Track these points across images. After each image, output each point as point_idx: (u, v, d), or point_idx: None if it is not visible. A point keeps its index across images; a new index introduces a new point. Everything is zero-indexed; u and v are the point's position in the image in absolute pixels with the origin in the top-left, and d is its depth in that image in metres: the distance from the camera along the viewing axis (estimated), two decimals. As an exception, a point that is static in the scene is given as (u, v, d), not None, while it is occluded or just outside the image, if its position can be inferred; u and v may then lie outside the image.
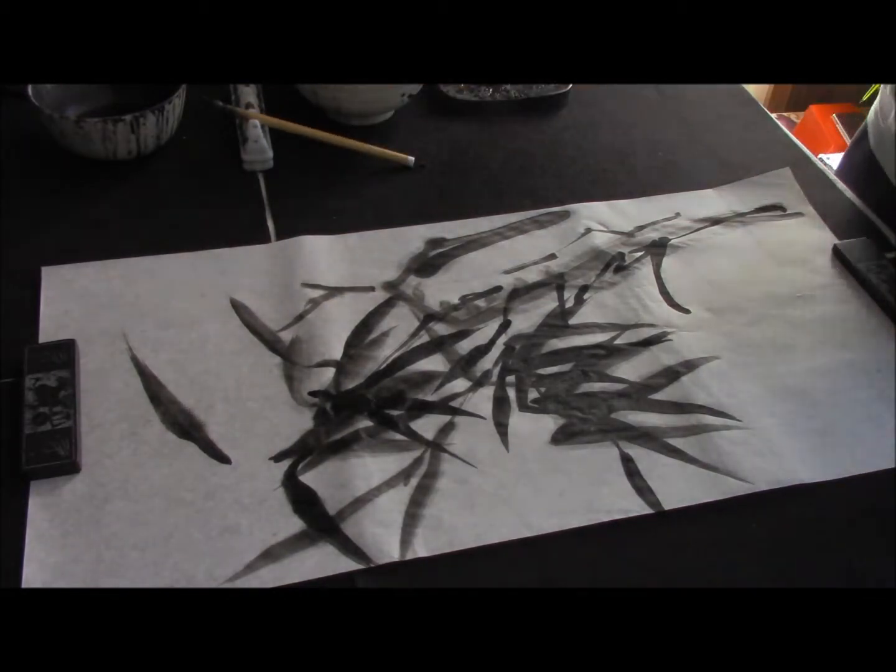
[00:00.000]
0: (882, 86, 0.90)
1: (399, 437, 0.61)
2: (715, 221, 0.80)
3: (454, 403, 0.63)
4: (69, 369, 0.62)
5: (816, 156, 0.91)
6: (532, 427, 0.62)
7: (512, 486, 0.58)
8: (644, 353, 0.68)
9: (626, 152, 0.88)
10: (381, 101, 0.87)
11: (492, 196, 0.82)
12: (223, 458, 0.59)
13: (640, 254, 0.77)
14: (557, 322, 0.70)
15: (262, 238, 0.76)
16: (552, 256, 0.76)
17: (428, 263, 0.74)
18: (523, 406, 0.63)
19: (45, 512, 0.55)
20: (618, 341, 0.69)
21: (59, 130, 0.77)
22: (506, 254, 0.76)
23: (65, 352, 0.63)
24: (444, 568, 0.54)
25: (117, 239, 0.74)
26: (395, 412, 0.62)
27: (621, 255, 0.76)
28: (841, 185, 0.86)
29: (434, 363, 0.66)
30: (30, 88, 0.78)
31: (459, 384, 0.64)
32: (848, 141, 2.01)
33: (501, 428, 0.62)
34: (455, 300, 0.71)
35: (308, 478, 0.58)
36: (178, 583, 0.52)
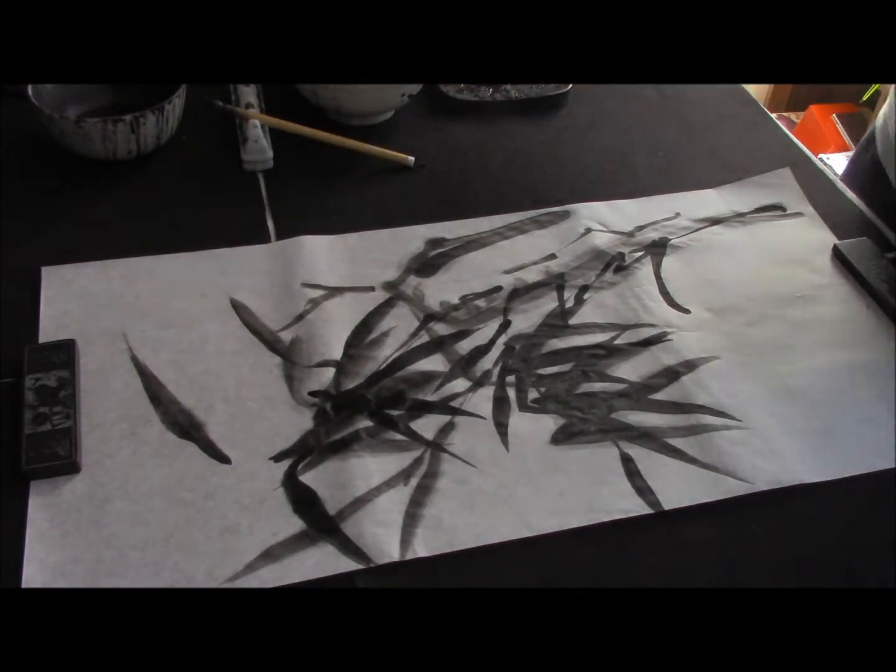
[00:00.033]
0: (892, 91, 0.90)
1: (399, 437, 0.61)
2: (715, 221, 0.80)
3: (454, 403, 0.63)
4: (69, 369, 0.62)
5: (816, 156, 0.91)
6: (532, 427, 0.62)
7: (512, 486, 0.58)
8: (644, 353, 0.68)
9: (626, 152, 0.88)
10: (381, 101, 0.87)
11: (492, 196, 0.82)
12: (223, 458, 0.59)
13: (640, 254, 0.77)
14: (557, 322, 0.70)
15: (262, 238, 0.76)
16: (552, 256, 0.76)
17: (428, 263, 0.74)
18: (523, 406, 0.63)
19: (45, 512, 0.55)
20: (618, 341, 0.69)
21: (59, 130, 0.77)
22: (506, 254, 0.76)
23: (65, 352, 0.63)
24: (444, 568, 0.54)
25: (117, 239, 0.74)
26: (395, 412, 0.62)
27: (621, 255, 0.76)
28: (841, 185, 0.86)
29: (434, 363, 0.66)
30: (30, 88, 0.78)
31: (459, 384, 0.64)
32: (848, 141, 2.02)
33: (501, 428, 0.62)
34: (455, 300, 0.71)
35: (308, 478, 0.58)
36: (178, 583, 0.52)
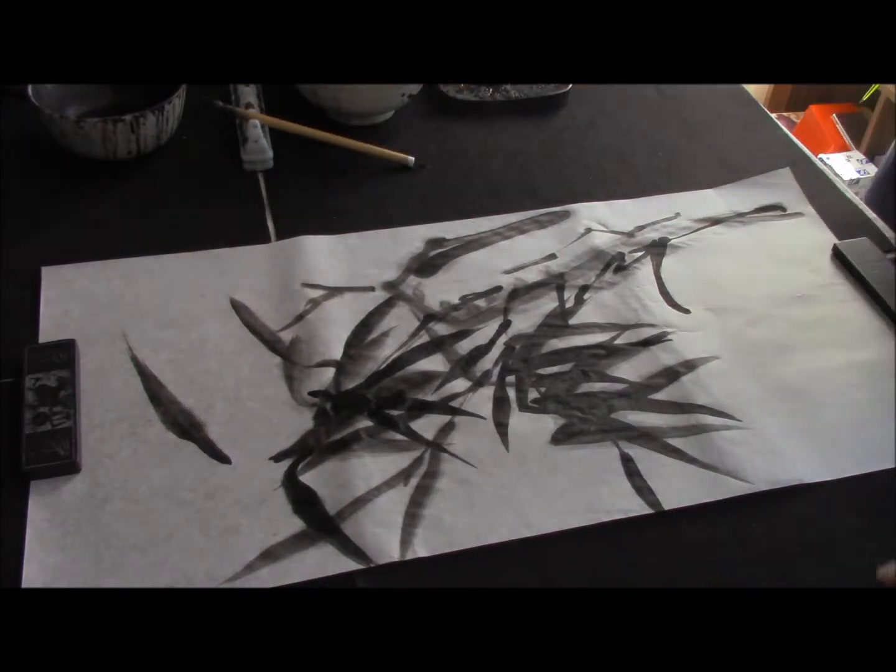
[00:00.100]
0: None
1: (399, 437, 0.61)
2: (715, 221, 0.80)
3: (454, 403, 0.63)
4: (69, 369, 0.62)
5: (816, 156, 0.91)
6: (532, 427, 0.62)
7: (512, 486, 0.58)
8: (644, 353, 0.68)
9: (626, 152, 0.88)
10: (381, 101, 0.87)
11: (492, 196, 0.82)
12: (223, 458, 0.59)
13: (640, 254, 0.77)
14: (557, 322, 0.70)
15: (262, 238, 0.76)
16: (552, 256, 0.76)
17: (428, 263, 0.74)
18: (523, 406, 0.63)
19: (45, 512, 0.55)
20: (618, 341, 0.69)
21: (59, 130, 0.77)
22: (506, 254, 0.76)
23: (65, 352, 0.63)
24: (444, 568, 0.54)
25: (117, 239, 0.74)
26: (395, 412, 0.62)
27: (621, 255, 0.76)
28: (841, 185, 0.86)
29: (434, 363, 0.66)
30: (30, 88, 0.78)
31: (459, 384, 0.64)
32: (848, 141, 2.02)
33: (501, 428, 0.62)
34: (455, 300, 0.71)
35: (308, 478, 0.58)
36: (178, 583, 0.52)
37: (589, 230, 0.78)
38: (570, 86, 0.94)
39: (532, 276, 0.74)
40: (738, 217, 0.81)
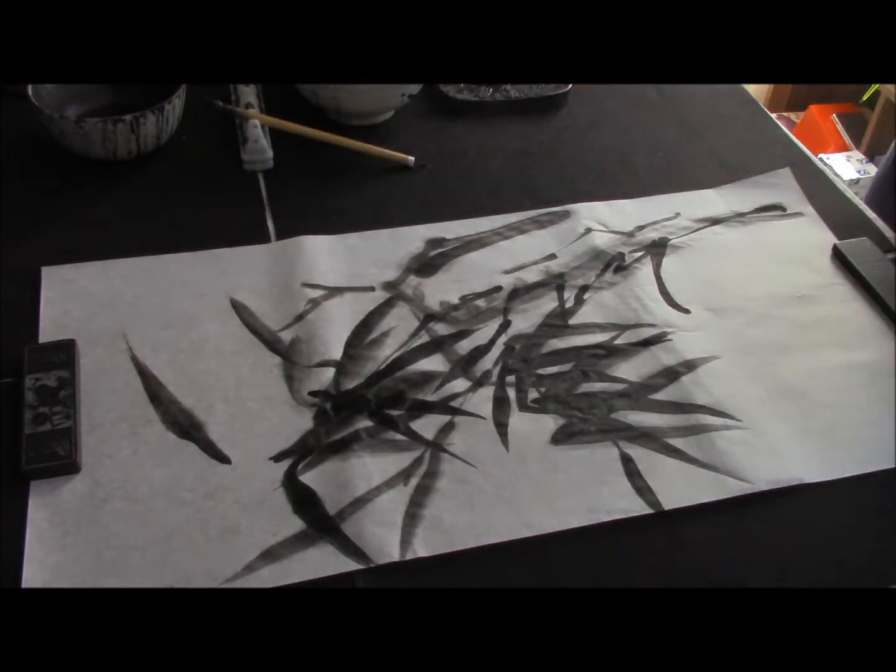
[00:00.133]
0: None
1: (399, 437, 0.61)
2: (715, 221, 0.80)
3: (454, 403, 0.63)
4: (69, 369, 0.62)
5: (816, 156, 0.91)
6: (532, 427, 0.62)
7: (512, 486, 0.58)
8: (644, 353, 0.68)
9: (626, 152, 0.88)
10: (381, 101, 0.87)
11: (492, 196, 0.82)
12: (223, 458, 0.59)
13: (640, 254, 0.77)
14: (557, 322, 0.70)
15: (262, 238, 0.76)
16: (552, 256, 0.76)
17: (428, 263, 0.74)
18: (523, 406, 0.63)
19: (45, 512, 0.55)
20: (618, 341, 0.69)
21: (59, 130, 0.77)
22: (506, 254, 0.76)
23: (65, 352, 0.63)
24: (444, 568, 0.54)
25: (117, 239, 0.74)
26: (395, 412, 0.62)
27: (621, 255, 0.76)
28: (841, 185, 0.86)
29: (434, 363, 0.66)
30: (30, 88, 0.78)
31: (459, 384, 0.64)
32: (848, 141, 2.02)
33: (501, 428, 0.62)
34: (455, 300, 0.71)
35: (308, 478, 0.58)
36: (178, 583, 0.52)
37: (589, 230, 0.78)
38: (570, 86, 0.94)
39: (532, 276, 0.74)
40: (738, 217, 0.81)
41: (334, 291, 0.71)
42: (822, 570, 0.55)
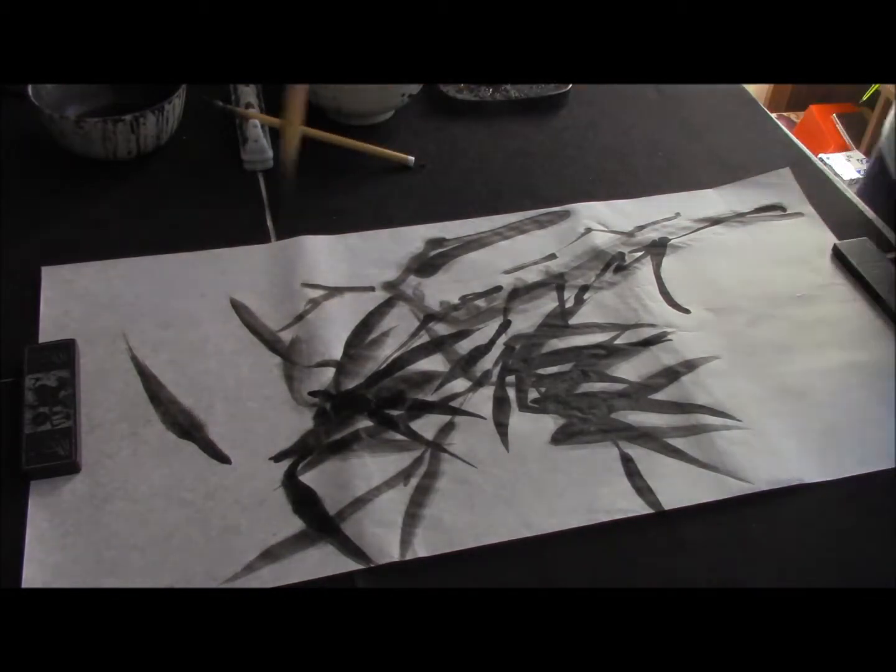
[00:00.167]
0: None
1: (399, 437, 0.61)
2: (715, 221, 0.80)
3: (454, 403, 0.63)
4: (69, 369, 0.62)
5: (816, 156, 0.91)
6: (532, 427, 0.62)
7: (512, 486, 0.58)
8: (644, 353, 0.68)
9: (626, 152, 0.88)
10: (381, 101, 0.87)
11: (492, 196, 0.82)
12: (223, 458, 0.59)
13: (640, 254, 0.77)
14: (557, 322, 0.70)
15: (262, 238, 0.76)
16: (552, 256, 0.76)
17: (428, 263, 0.74)
18: (523, 406, 0.63)
19: (45, 512, 0.55)
20: (618, 341, 0.69)
21: (59, 130, 0.77)
22: (506, 254, 0.76)
23: (65, 352, 0.63)
24: (444, 568, 0.54)
25: (117, 239, 0.74)
26: (395, 412, 0.62)
27: (621, 255, 0.76)
28: (841, 185, 0.86)
29: (434, 363, 0.66)
30: (30, 88, 0.78)
31: (459, 384, 0.64)
32: (848, 141, 2.02)
33: (501, 428, 0.62)
34: (455, 300, 0.71)
35: (308, 478, 0.58)
36: (178, 583, 0.52)
37: (589, 230, 0.78)
38: (570, 86, 0.94)
39: (532, 276, 0.74)
40: (738, 217, 0.81)
41: (334, 291, 0.71)
42: (822, 570, 0.55)
